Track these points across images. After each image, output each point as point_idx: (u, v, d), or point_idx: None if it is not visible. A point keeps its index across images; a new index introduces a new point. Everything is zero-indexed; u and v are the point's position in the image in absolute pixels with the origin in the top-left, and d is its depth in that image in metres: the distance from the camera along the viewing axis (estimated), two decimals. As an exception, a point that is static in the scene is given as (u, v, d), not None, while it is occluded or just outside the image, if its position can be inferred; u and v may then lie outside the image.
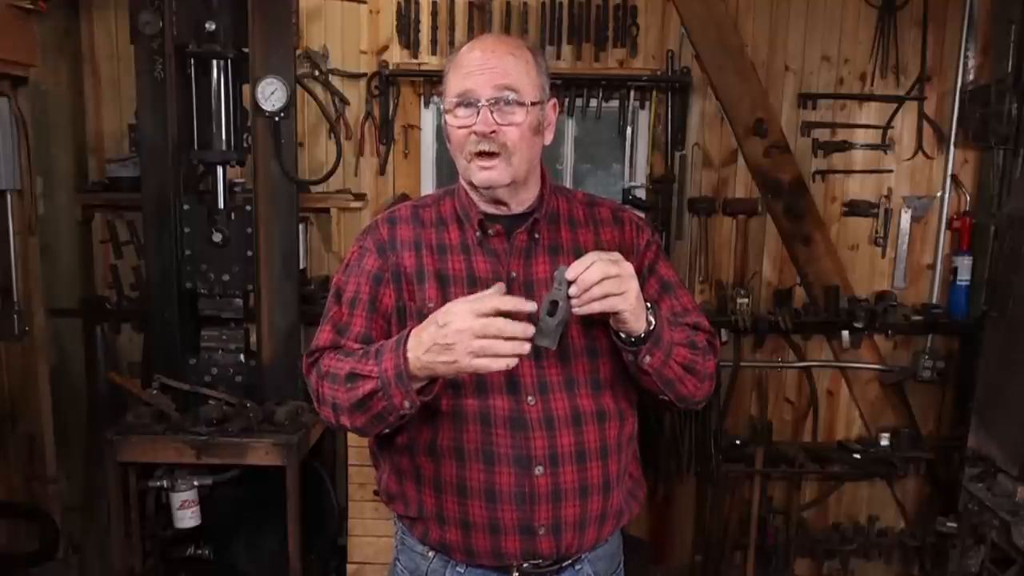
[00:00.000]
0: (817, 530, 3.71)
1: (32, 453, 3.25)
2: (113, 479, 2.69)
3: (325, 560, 3.13)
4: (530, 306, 1.25)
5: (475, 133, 1.38)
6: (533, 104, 1.40)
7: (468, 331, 1.22)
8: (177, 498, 2.70)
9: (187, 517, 2.72)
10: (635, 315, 1.32)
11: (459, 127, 1.40)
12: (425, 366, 1.27)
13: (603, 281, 1.25)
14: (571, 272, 1.26)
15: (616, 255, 1.30)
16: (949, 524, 3.17)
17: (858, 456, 3.56)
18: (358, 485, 3.03)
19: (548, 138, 1.49)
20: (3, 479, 3.15)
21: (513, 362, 1.24)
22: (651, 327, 1.35)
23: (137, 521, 2.77)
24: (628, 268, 1.29)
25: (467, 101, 1.38)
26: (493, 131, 1.37)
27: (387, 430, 1.42)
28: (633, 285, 1.29)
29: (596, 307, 1.27)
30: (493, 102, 1.37)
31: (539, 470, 1.39)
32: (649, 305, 1.36)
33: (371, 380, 1.32)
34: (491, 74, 1.38)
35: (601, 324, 1.41)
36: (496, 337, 1.22)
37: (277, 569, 2.78)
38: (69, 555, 3.36)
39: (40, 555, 3.17)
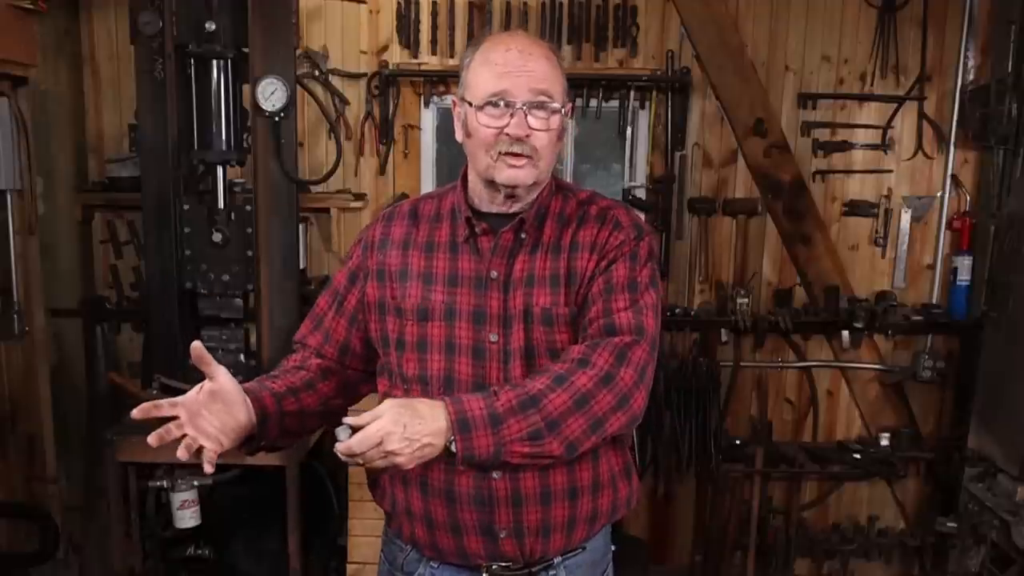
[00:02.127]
0: (817, 530, 3.70)
1: (32, 453, 3.25)
2: (113, 479, 2.69)
3: (325, 560, 3.13)
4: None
5: (507, 135, 1.36)
6: (563, 109, 1.41)
7: None
8: (177, 498, 2.70)
9: (187, 517, 2.71)
10: (423, 455, 1.25)
11: (488, 127, 1.38)
12: None
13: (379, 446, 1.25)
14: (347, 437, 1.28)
15: (387, 416, 1.25)
16: (949, 524, 3.18)
17: (858, 456, 3.56)
18: (358, 485, 3.02)
19: (563, 141, 1.48)
20: (3, 479, 3.15)
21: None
22: (454, 451, 1.25)
23: (137, 521, 2.76)
24: (389, 432, 1.24)
25: (501, 101, 1.36)
26: (527, 135, 1.36)
27: None
28: (400, 445, 1.23)
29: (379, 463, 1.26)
30: (531, 106, 1.36)
31: (496, 474, 1.38)
32: (453, 436, 1.23)
33: None
34: (528, 77, 1.36)
35: (565, 323, 1.40)
36: None
37: (277, 569, 2.78)
38: (69, 555, 3.36)
39: (40, 555, 3.16)
